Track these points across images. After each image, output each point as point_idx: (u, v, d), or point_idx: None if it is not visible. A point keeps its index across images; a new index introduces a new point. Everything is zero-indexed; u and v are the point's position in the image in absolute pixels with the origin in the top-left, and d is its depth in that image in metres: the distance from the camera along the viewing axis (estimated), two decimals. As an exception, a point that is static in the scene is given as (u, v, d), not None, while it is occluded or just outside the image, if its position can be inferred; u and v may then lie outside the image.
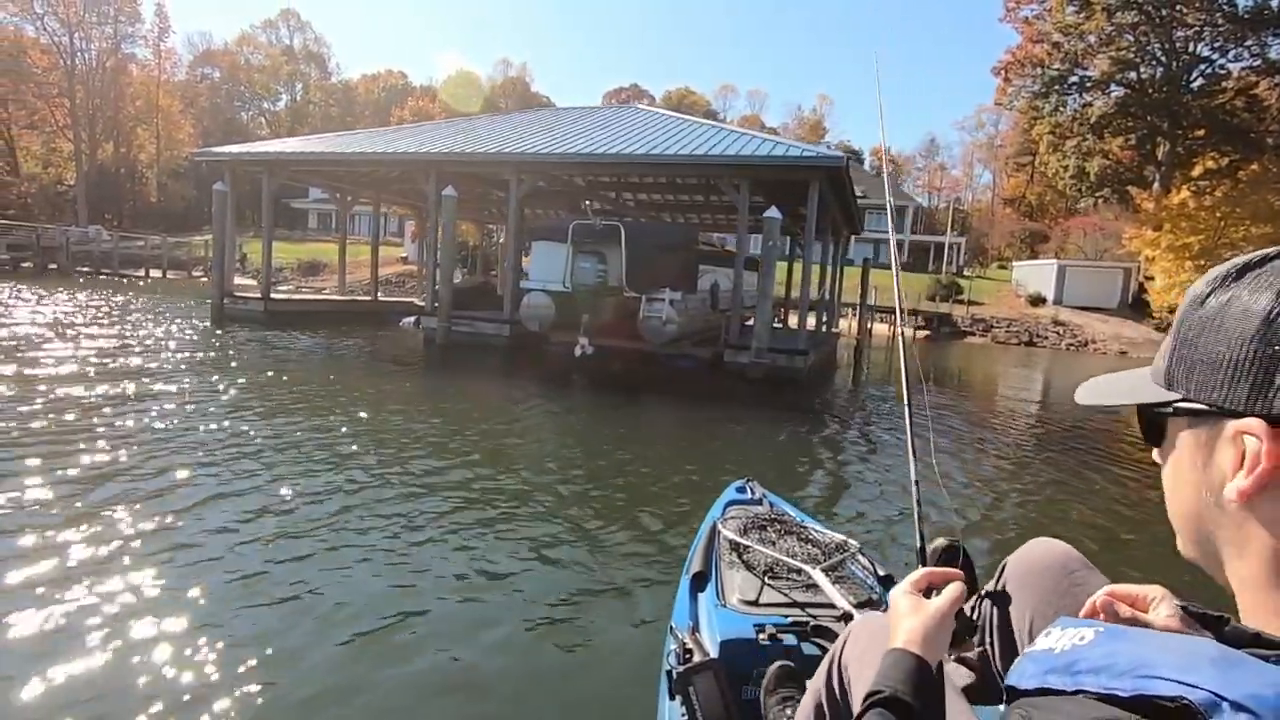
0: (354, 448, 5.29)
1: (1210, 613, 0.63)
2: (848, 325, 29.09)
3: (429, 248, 13.14)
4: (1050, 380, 16.89)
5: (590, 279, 10.72)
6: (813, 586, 1.76)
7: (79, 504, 3.68)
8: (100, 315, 13.28)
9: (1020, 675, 0.55)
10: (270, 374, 8.38)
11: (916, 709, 0.73)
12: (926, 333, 30.33)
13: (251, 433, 5.43)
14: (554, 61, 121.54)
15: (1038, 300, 32.77)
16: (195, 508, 3.74)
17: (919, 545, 1.14)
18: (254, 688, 2.25)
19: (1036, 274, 34.96)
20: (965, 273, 41.83)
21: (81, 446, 4.64)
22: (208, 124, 55.74)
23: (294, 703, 2.21)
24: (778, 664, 1.49)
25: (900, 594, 0.89)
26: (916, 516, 1.17)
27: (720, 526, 2.10)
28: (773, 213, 9.92)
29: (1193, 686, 0.43)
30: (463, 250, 35.95)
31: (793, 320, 16.67)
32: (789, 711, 1.36)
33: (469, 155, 11.78)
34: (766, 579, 1.81)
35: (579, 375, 10.17)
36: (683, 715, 1.39)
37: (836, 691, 1.09)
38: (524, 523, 3.93)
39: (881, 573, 1.90)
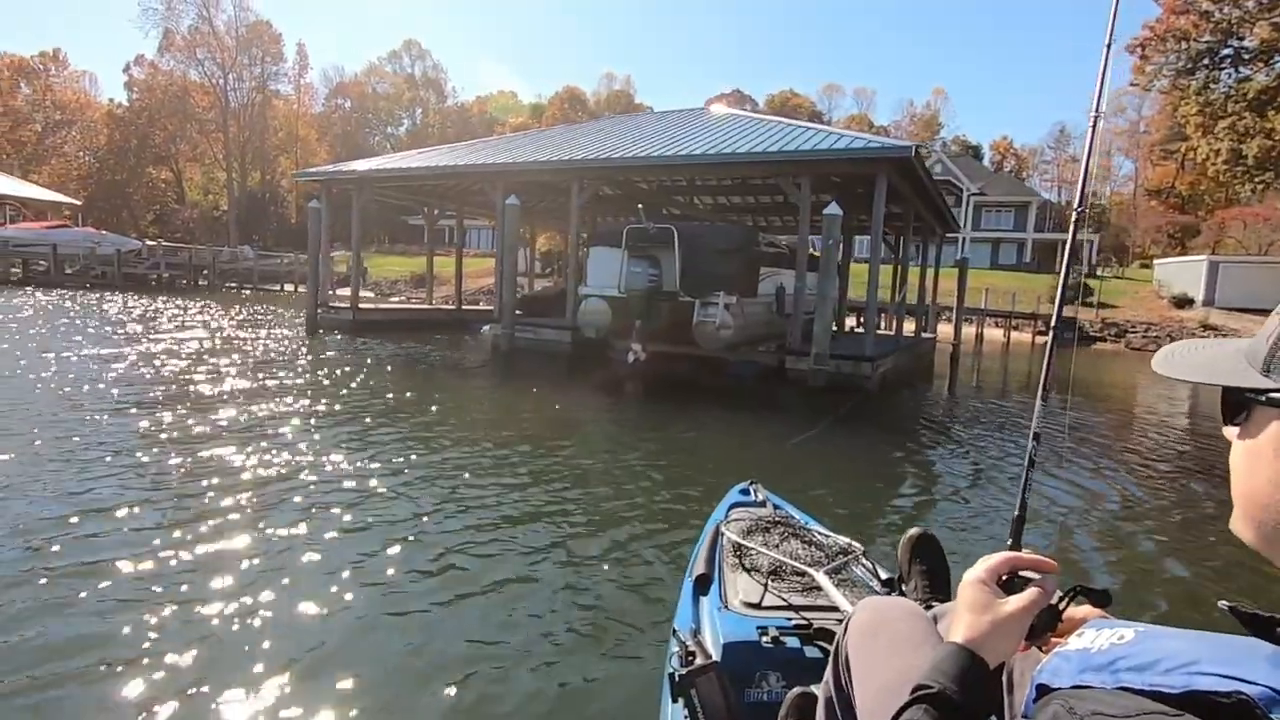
0: (389, 443, 5.69)
1: (1262, 613, 0.60)
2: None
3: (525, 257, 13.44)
4: (1199, 393, 14.68)
5: (642, 283, 10.50)
6: (816, 589, 1.75)
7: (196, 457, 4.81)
8: (221, 322, 14.99)
9: (1053, 674, 0.56)
10: (340, 373, 9.36)
11: (964, 712, 0.68)
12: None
13: (304, 418, 6.40)
14: (657, 72, 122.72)
15: (1183, 301, 29.09)
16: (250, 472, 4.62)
17: (1017, 513, 1.09)
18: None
19: (1182, 272, 31.04)
20: (1099, 273, 37.90)
21: (194, 425, 5.90)
22: (340, 150, 60.78)
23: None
24: (798, 691, 1.44)
25: (973, 582, 0.80)
26: (1020, 502, 1.10)
27: (723, 529, 2.10)
28: (832, 209, 9.31)
29: (1249, 683, 0.43)
30: (550, 258, 36.98)
31: (892, 326, 15.66)
32: None
33: (529, 164, 11.96)
34: (770, 581, 1.80)
35: (630, 383, 9.99)
36: (685, 718, 1.39)
37: (843, 681, 1.06)
38: (541, 534, 3.93)
39: (885, 575, 1.86)
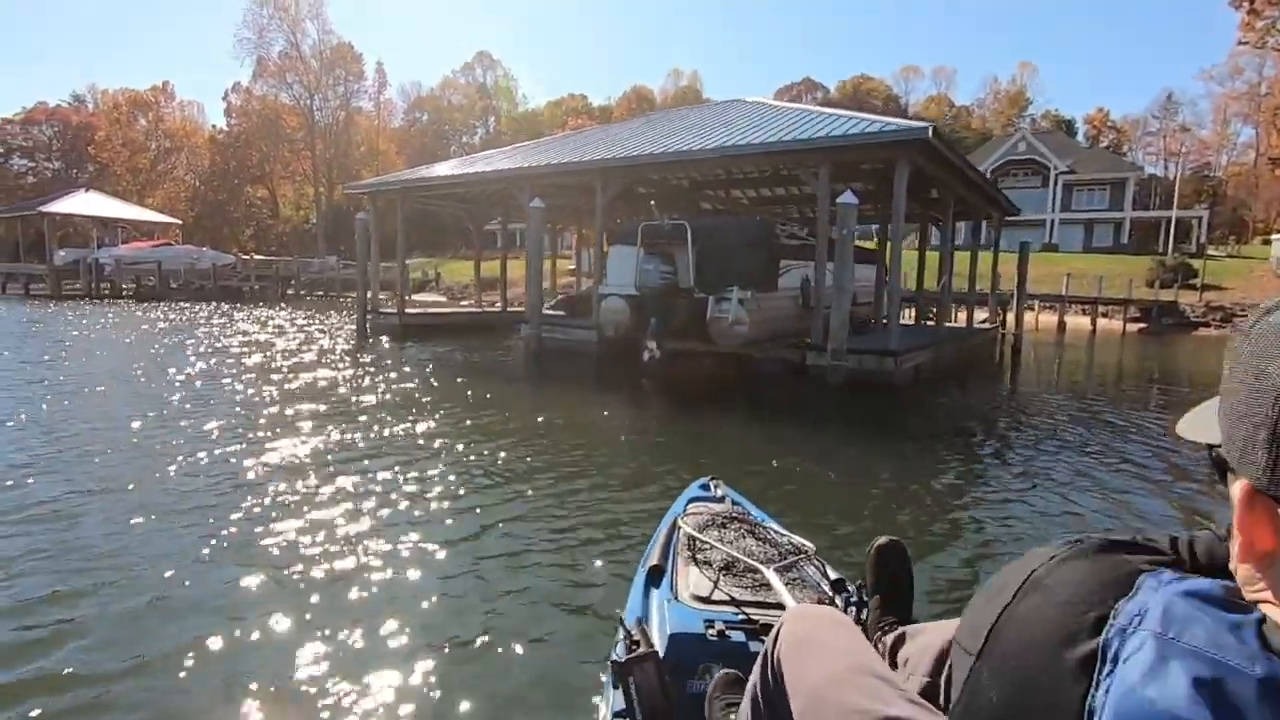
0: (403, 438, 6.07)
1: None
2: (1034, 318, 25.48)
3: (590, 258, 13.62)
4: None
5: (656, 280, 10.40)
6: (766, 586, 1.76)
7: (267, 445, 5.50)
8: (289, 328, 16.14)
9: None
10: (368, 375, 9.95)
11: None
12: (1142, 325, 25.45)
13: (337, 411, 7.16)
14: (726, 65, 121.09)
15: (1304, 281, 26.08)
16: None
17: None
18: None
19: (1304, 248, 27.84)
20: (1211, 251, 34.51)
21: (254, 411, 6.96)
22: (417, 162, 63.50)
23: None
24: (724, 671, 1.51)
25: None
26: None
27: (680, 522, 2.12)
28: (847, 198, 8.92)
29: None
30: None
31: (940, 315, 14.85)
32: (732, 716, 1.38)
33: (548, 167, 12.08)
34: (721, 576, 1.82)
35: (642, 382, 9.91)
36: (623, 704, 1.42)
37: (771, 684, 1.08)
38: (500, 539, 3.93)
39: (834, 575, 1.86)
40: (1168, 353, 18.39)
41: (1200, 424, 0.61)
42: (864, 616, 1.54)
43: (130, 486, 4.50)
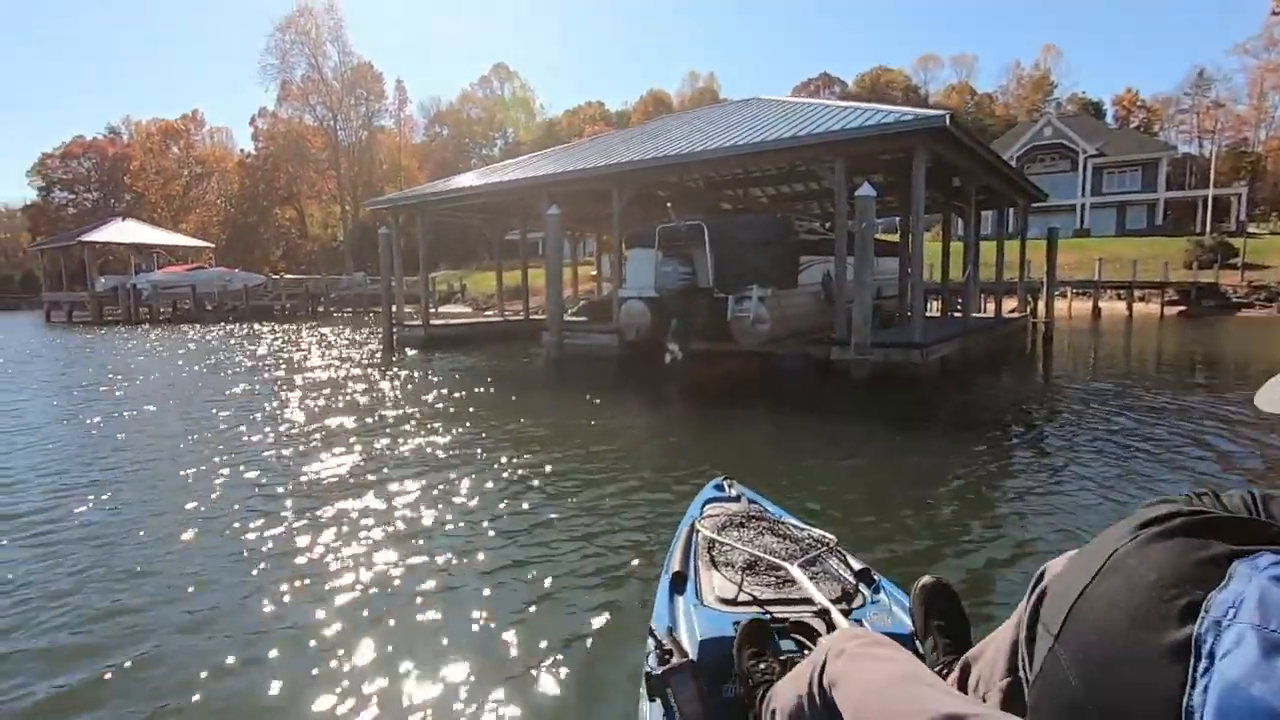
0: (421, 445, 6.17)
1: None
2: (1067, 306, 24.86)
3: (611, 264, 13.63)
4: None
5: (675, 282, 10.36)
6: (790, 582, 1.75)
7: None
8: (319, 344, 16.54)
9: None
10: (411, 385, 10.28)
11: None
12: (1181, 308, 24.68)
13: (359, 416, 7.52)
14: (742, 64, 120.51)
15: (1352, 256, 25.06)
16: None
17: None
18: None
19: (1353, 222, 26.72)
20: (1251, 229, 33.37)
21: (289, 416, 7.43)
22: (439, 177, 64.37)
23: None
24: (749, 619, 1.51)
25: None
26: None
27: (698, 525, 2.11)
28: (865, 191, 8.80)
29: None
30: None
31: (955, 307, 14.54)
32: (761, 665, 1.41)
33: (567, 174, 12.13)
34: (745, 576, 1.81)
35: (668, 383, 9.89)
36: (663, 717, 1.40)
37: (819, 703, 1.08)
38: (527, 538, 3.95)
39: (858, 566, 1.85)
40: (1210, 335, 17.76)
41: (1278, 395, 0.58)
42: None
43: (181, 499, 4.64)
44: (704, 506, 2.37)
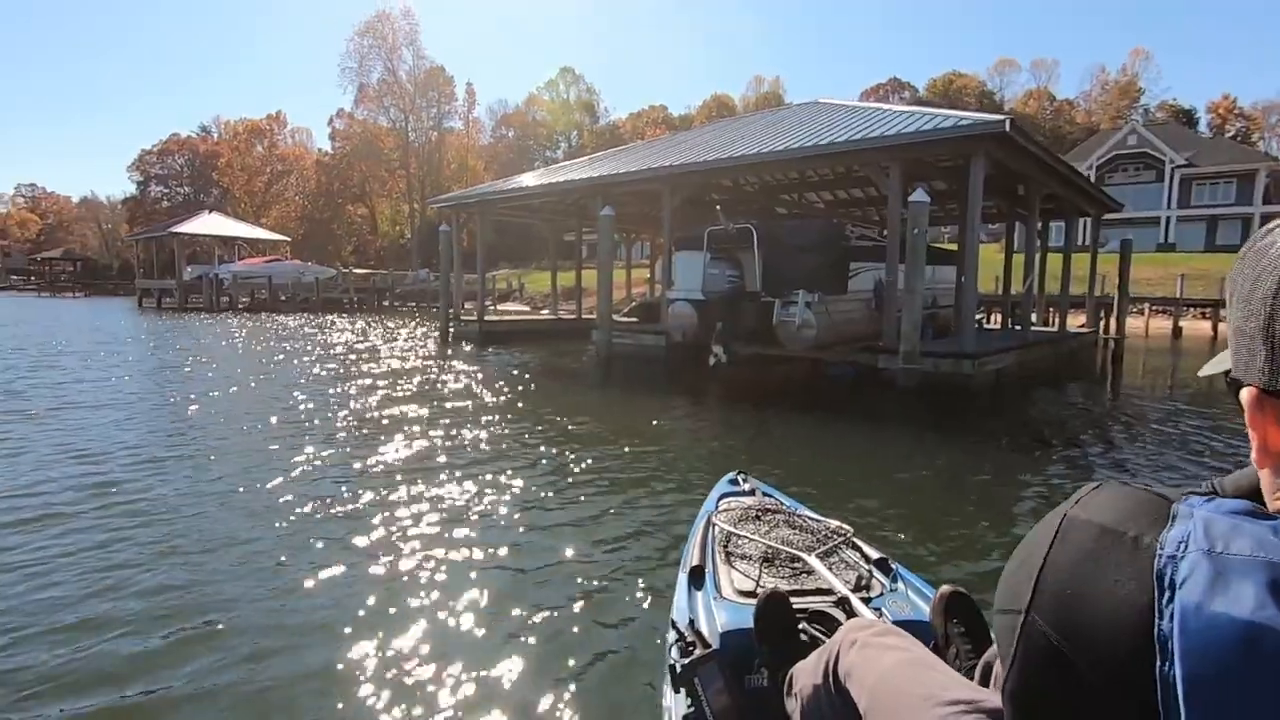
0: (464, 438, 6.37)
1: None
2: (1144, 324, 23.57)
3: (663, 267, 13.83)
4: None
5: (722, 284, 10.36)
6: (809, 573, 1.77)
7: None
8: (381, 336, 17.34)
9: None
10: (461, 378, 10.62)
11: None
12: None
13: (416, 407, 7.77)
14: (810, 70, 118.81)
15: None
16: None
17: None
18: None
19: None
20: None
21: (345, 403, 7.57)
22: (504, 178, 65.92)
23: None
24: (768, 592, 1.54)
25: None
26: None
27: (715, 519, 2.14)
28: (918, 196, 8.63)
29: None
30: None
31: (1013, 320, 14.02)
32: (786, 644, 1.46)
33: (619, 176, 12.30)
34: (763, 568, 1.83)
35: (712, 386, 9.92)
36: (689, 707, 1.41)
37: (834, 691, 1.12)
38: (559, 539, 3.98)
39: (875, 555, 1.87)
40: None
41: (1217, 362, 0.65)
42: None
43: (254, 478, 4.92)
44: (719, 501, 2.39)
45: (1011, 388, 9.98)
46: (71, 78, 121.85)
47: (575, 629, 2.83)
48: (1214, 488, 0.64)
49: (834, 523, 2.04)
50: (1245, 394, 0.56)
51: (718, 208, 10.80)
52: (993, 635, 0.93)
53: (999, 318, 15.97)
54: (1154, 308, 24.94)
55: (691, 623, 1.63)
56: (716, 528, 2.07)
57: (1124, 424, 7.97)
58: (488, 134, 70.63)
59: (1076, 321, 16.31)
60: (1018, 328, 14.02)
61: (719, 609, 1.67)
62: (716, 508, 2.29)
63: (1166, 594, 0.48)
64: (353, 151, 58.01)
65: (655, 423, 7.50)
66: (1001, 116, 8.47)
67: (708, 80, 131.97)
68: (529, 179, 16.37)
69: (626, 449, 6.07)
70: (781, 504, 2.33)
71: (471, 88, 65.99)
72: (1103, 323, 16.45)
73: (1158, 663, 0.47)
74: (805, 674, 1.24)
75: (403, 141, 57.73)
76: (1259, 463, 0.57)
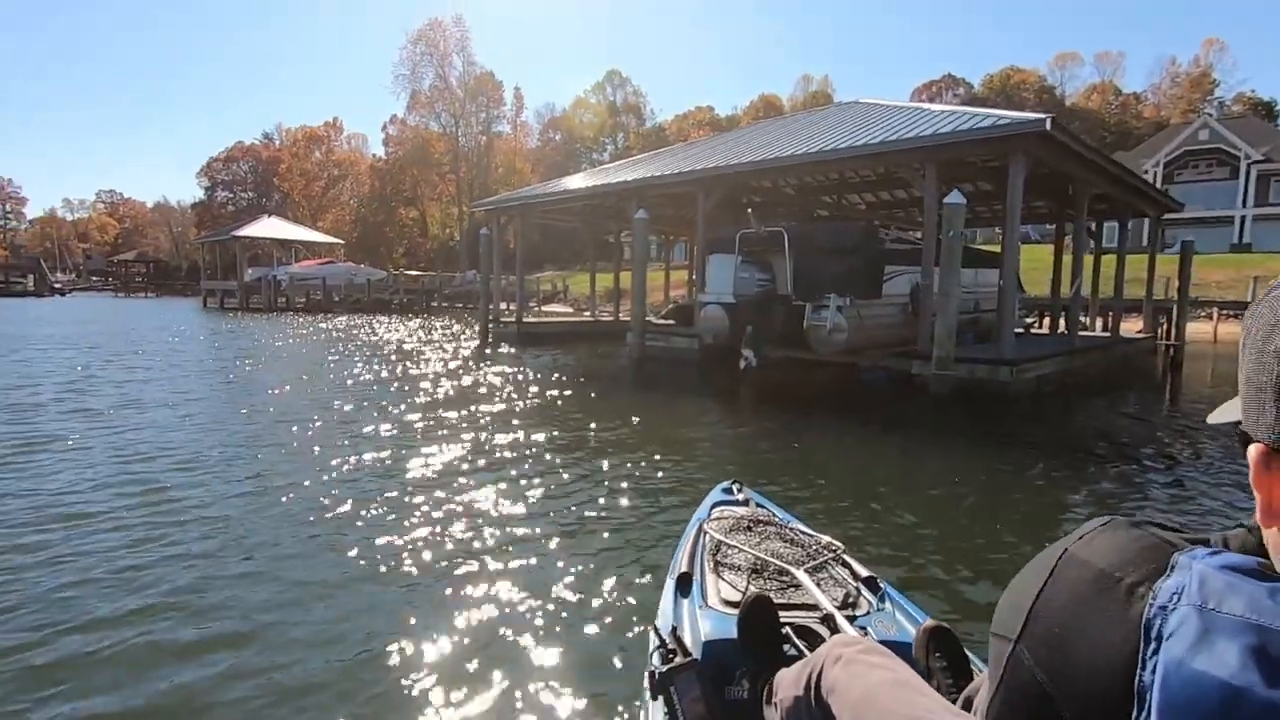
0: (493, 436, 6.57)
1: None
2: (1213, 329, 22.38)
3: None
4: None
5: (752, 288, 10.29)
6: (796, 587, 1.75)
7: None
8: (426, 335, 18.09)
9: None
10: (497, 377, 11.03)
11: None
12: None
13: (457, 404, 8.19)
14: (862, 66, 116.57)
15: None
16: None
17: None
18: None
19: None
20: None
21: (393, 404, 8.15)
22: (551, 180, 66.75)
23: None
24: (753, 595, 1.55)
25: None
26: None
27: (706, 527, 2.13)
28: (954, 198, 8.43)
29: None
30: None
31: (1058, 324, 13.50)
32: (769, 650, 1.47)
33: (653, 179, 12.35)
34: (750, 579, 1.82)
35: (742, 390, 9.87)
36: (665, 715, 1.40)
37: (814, 705, 1.13)
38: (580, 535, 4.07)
39: (864, 573, 1.85)
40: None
41: (1227, 409, 0.62)
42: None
43: (302, 476, 5.13)
44: (712, 509, 2.37)
45: (1053, 396, 9.64)
46: (150, 90, 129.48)
47: (589, 630, 2.88)
48: (1224, 540, 0.61)
49: (825, 538, 2.02)
50: (1253, 450, 0.53)
51: (749, 210, 10.72)
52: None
53: (1048, 322, 15.39)
54: (1224, 312, 23.64)
55: (674, 630, 1.62)
56: (707, 536, 2.06)
57: (1174, 436, 7.62)
58: (535, 137, 71.66)
59: (1134, 327, 15.60)
60: (1066, 333, 13.52)
61: (704, 618, 1.66)
62: (709, 516, 2.28)
63: (1152, 645, 0.48)
64: (405, 156, 59.64)
65: (681, 429, 7.52)
66: (1042, 115, 8.19)
67: (757, 79, 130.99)
68: (569, 182, 16.59)
69: (654, 455, 6.03)
70: (774, 516, 2.32)
71: (519, 92, 67.16)
72: (1161, 328, 15.69)
73: (1135, 713, 0.47)
74: (787, 684, 1.24)
75: (453, 146, 59.07)
76: (1264, 523, 0.54)
